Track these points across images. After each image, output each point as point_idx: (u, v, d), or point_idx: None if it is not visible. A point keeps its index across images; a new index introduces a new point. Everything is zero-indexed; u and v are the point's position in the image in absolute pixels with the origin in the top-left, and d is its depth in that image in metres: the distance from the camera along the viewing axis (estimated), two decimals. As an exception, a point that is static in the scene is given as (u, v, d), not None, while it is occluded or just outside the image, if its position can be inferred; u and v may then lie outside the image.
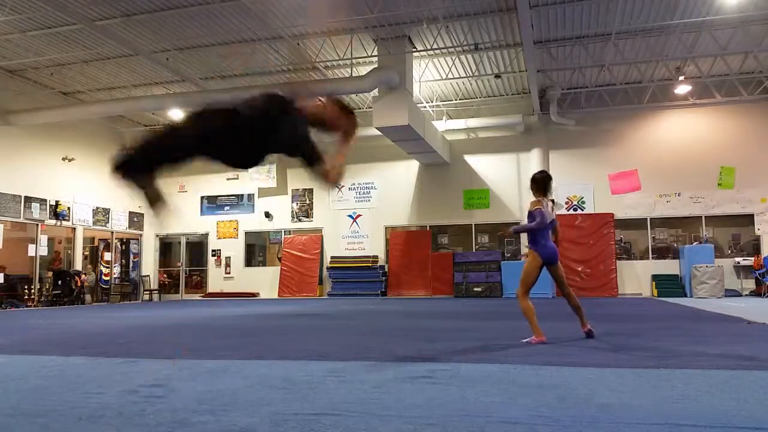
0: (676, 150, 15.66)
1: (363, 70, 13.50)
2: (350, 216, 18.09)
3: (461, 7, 11.37)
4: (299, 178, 18.68)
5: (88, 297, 16.71)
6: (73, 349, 4.98)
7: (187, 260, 19.88)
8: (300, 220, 18.58)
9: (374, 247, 17.68)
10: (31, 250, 15.44)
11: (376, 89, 13.01)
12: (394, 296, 16.63)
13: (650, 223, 15.93)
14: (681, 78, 14.46)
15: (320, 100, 2.98)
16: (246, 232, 19.04)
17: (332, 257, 17.73)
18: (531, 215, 5.22)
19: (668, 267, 15.59)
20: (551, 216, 5.26)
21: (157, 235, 19.79)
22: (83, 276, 16.35)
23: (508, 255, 16.82)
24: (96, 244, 18.42)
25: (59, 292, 15.53)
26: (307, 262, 17.90)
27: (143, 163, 2.70)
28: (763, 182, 15.07)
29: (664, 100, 15.54)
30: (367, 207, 17.96)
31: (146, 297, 18.90)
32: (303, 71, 14.61)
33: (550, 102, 15.67)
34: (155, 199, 2.79)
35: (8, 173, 14.64)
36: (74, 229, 16.76)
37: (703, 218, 15.62)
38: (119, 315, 10.52)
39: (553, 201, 5.39)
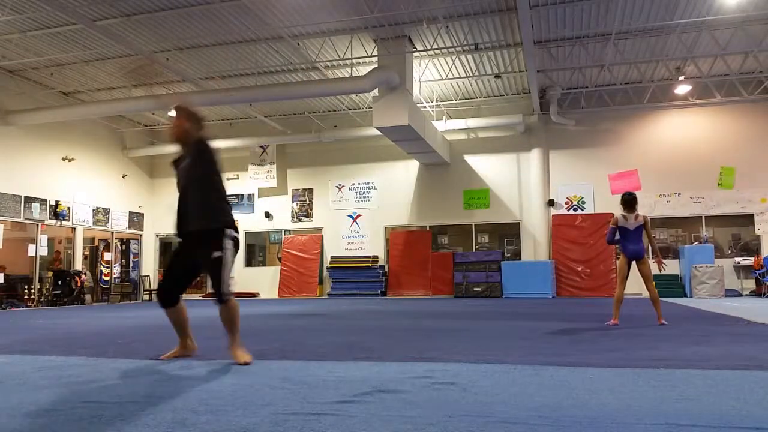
0: (676, 150, 15.67)
1: (363, 70, 13.50)
2: (350, 216, 18.10)
3: (461, 7, 11.38)
4: (299, 178, 18.70)
5: (88, 297, 16.71)
6: (73, 349, 4.98)
7: (187, 260, 19.87)
8: (300, 220, 18.59)
9: (374, 247, 17.69)
10: (31, 250, 15.44)
11: (376, 89, 13.01)
12: (394, 296, 16.63)
13: (650, 223, 15.92)
14: (681, 78, 14.47)
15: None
16: (246, 232, 19.04)
17: (332, 257, 17.73)
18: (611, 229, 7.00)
19: (668, 267, 15.54)
20: (633, 225, 6.78)
21: (157, 235, 19.80)
22: (83, 276, 16.35)
23: (509, 255, 16.84)
24: (96, 244, 18.43)
25: (59, 292, 15.53)
26: (307, 262, 17.91)
27: None
28: (763, 182, 15.07)
29: (664, 100, 15.55)
30: (367, 207, 17.97)
31: (146, 297, 18.90)
32: (303, 71, 14.61)
33: (550, 102, 15.69)
34: None
35: (8, 173, 14.65)
36: (74, 229, 16.77)
37: (703, 218, 15.63)
38: (119, 315, 10.53)
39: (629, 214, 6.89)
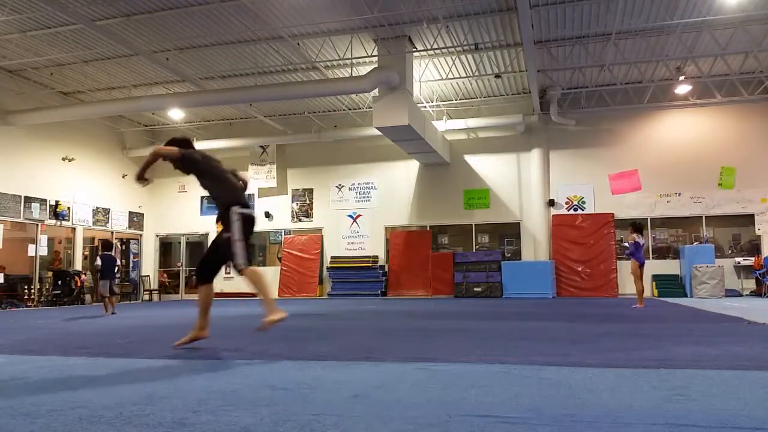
0: (676, 150, 15.66)
1: (363, 70, 13.50)
2: (350, 216, 18.09)
3: (461, 6, 11.37)
4: (299, 178, 18.69)
5: (87, 297, 16.71)
6: (73, 349, 4.98)
7: (187, 260, 19.88)
8: (300, 220, 18.59)
9: (374, 247, 17.68)
10: (31, 250, 15.44)
11: (376, 89, 13.01)
12: (395, 296, 16.63)
13: (651, 223, 15.93)
14: (681, 78, 14.46)
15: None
16: (246, 232, 19.02)
17: (332, 257, 17.73)
18: (630, 245, 10.54)
19: (669, 267, 15.59)
20: (642, 242, 10.43)
21: (157, 235, 19.80)
22: (83, 276, 16.35)
23: (509, 255, 16.83)
24: (96, 244, 18.40)
25: (59, 292, 15.53)
26: (307, 262, 17.91)
27: None
28: (764, 182, 15.07)
29: (665, 100, 15.53)
30: (367, 207, 17.97)
31: (146, 297, 18.90)
32: (303, 71, 14.61)
33: (550, 102, 15.67)
34: None
35: (8, 173, 14.64)
36: (74, 229, 16.77)
37: (704, 218, 15.63)
38: (119, 315, 10.53)
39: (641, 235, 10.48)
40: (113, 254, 11.84)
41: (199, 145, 18.47)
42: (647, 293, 15.63)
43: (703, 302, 11.87)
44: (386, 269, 17.30)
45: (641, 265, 10.30)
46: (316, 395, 2.82)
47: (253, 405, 2.63)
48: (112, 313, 10.59)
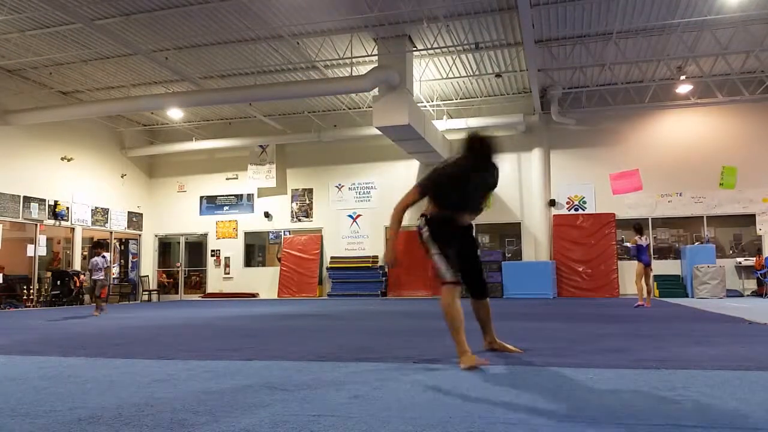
0: (677, 150, 15.65)
1: (363, 70, 13.48)
2: (350, 216, 18.08)
3: (462, 6, 11.36)
4: (299, 177, 18.68)
5: (86, 297, 16.69)
6: (73, 350, 4.97)
7: (187, 260, 19.87)
8: (300, 220, 18.57)
9: (374, 247, 17.66)
10: (30, 250, 15.42)
11: (376, 89, 12.99)
12: (395, 296, 16.62)
13: (651, 223, 15.92)
14: (682, 77, 14.46)
15: None
16: (245, 232, 19.03)
17: (332, 257, 17.71)
18: (631, 247, 10.87)
19: (670, 267, 15.57)
20: (645, 243, 10.67)
21: (156, 236, 19.79)
22: (82, 276, 16.33)
23: (509, 255, 16.81)
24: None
25: (58, 292, 15.51)
26: (307, 262, 17.89)
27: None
28: (765, 182, 15.05)
29: (666, 100, 15.52)
30: (367, 207, 17.95)
31: (145, 297, 18.89)
32: (303, 70, 14.59)
33: (551, 101, 15.66)
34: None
35: (7, 173, 14.63)
36: (73, 229, 16.75)
37: (705, 218, 15.61)
38: (118, 315, 10.52)
39: (644, 237, 10.81)
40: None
41: (199, 145, 18.48)
42: (647, 293, 15.70)
43: (704, 302, 11.86)
44: (386, 269, 17.28)
45: (646, 266, 10.57)
46: (316, 395, 2.81)
47: (253, 406, 2.61)
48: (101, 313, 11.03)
